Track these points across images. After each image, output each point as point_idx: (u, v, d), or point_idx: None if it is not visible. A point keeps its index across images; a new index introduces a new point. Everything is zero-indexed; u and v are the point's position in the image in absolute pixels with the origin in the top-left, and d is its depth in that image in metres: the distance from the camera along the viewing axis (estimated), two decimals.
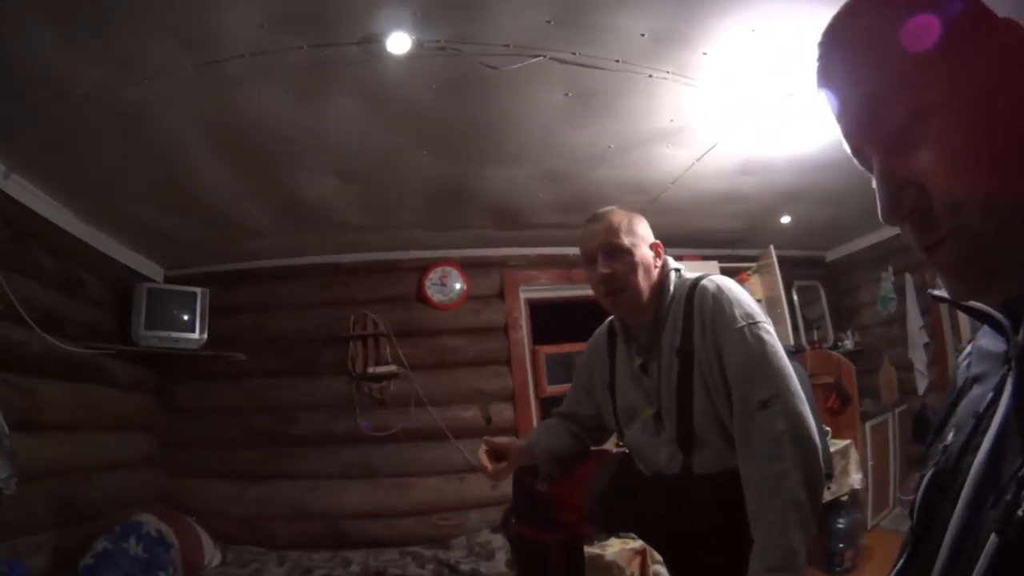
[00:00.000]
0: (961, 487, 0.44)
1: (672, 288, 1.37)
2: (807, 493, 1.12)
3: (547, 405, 3.30)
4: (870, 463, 3.40)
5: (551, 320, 3.64)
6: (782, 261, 3.56)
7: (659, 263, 1.40)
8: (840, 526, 3.04)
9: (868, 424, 3.46)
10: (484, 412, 3.21)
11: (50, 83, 1.68)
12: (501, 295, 3.43)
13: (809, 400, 1.23)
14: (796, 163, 2.73)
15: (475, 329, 3.35)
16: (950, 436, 0.51)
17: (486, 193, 2.69)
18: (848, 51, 0.47)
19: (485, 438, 1.54)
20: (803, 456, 1.14)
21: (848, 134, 0.48)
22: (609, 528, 2.04)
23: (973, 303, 0.48)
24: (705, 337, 1.28)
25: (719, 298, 1.28)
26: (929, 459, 0.53)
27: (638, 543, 2.27)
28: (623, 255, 1.34)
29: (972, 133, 0.40)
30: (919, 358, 3.78)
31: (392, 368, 3.15)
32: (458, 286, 3.36)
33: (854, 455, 3.23)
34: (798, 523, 1.10)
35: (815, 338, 4.01)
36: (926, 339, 3.76)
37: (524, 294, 3.49)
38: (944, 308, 3.81)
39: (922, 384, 3.78)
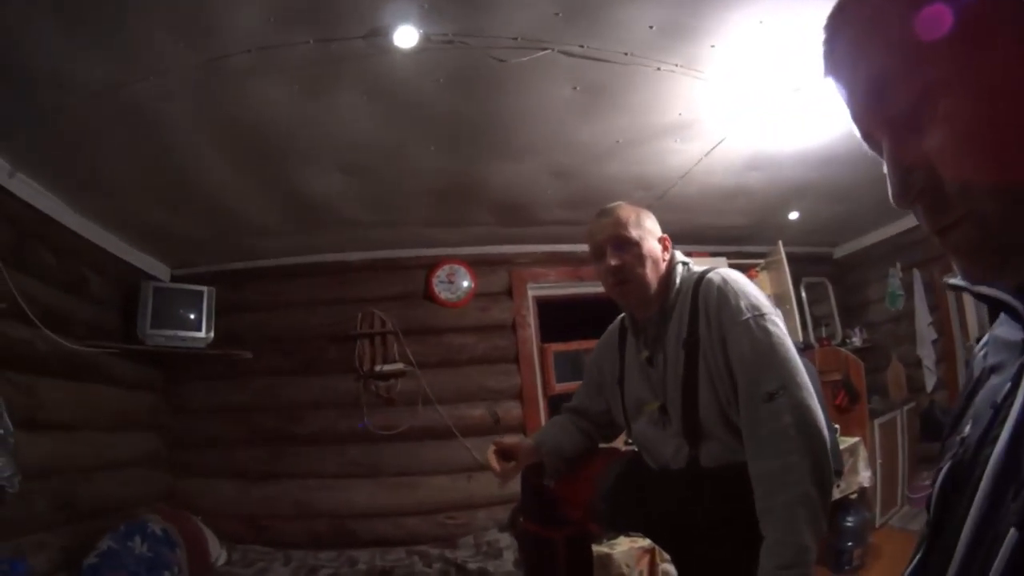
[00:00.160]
0: (979, 480, 0.43)
1: (679, 281, 1.38)
2: (816, 487, 1.11)
3: (555, 403, 3.29)
4: (879, 461, 3.37)
5: (559, 318, 3.63)
6: (790, 258, 3.54)
7: (667, 256, 1.41)
8: (849, 524, 3.02)
9: (876, 422, 3.44)
10: (491, 412, 3.19)
11: (55, 81, 1.68)
12: (509, 293, 3.42)
13: (818, 395, 1.22)
14: (804, 157, 2.71)
15: (483, 327, 3.34)
16: (967, 428, 0.49)
17: (493, 189, 2.67)
18: (855, 33, 0.46)
19: (494, 440, 1.55)
20: (811, 449, 1.12)
21: (857, 117, 0.47)
22: (615, 526, 2.03)
23: (987, 290, 0.46)
24: (710, 329, 1.27)
25: (724, 290, 1.28)
26: (946, 452, 0.51)
27: (647, 542, 2.25)
28: (631, 247, 1.36)
29: (981, 115, 0.38)
30: (927, 355, 3.76)
31: (399, 366, 3.14)
32: (466, 284, 3.35)
33: (863, 453, 3.21)
34: (807, 518, 1.09)
35: (823, 335, 3.98)
36: (935, 336, 3.74)
37: (532, 291, 3.48)
38: (953, 304, 3.79)
39: (931, 381, 3.76)
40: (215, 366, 3.15)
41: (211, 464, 3.15)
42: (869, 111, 0.46)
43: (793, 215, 3.45)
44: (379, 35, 1.64)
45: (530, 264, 3.49)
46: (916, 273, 3.80)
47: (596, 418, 1.61)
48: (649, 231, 1.40)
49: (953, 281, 0.49)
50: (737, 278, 1.32)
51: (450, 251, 3.34)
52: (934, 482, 0.51)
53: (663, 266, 1.40)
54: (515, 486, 2.97)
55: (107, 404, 2.64)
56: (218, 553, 2.76)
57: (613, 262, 1.36)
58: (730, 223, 3.40)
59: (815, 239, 4.07)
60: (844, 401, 3.32)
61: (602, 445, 1.68)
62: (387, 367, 3.13)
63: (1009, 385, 0.44)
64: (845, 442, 3.10)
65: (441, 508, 3.10)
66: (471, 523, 3.07)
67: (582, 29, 1.70)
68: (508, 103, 2.00)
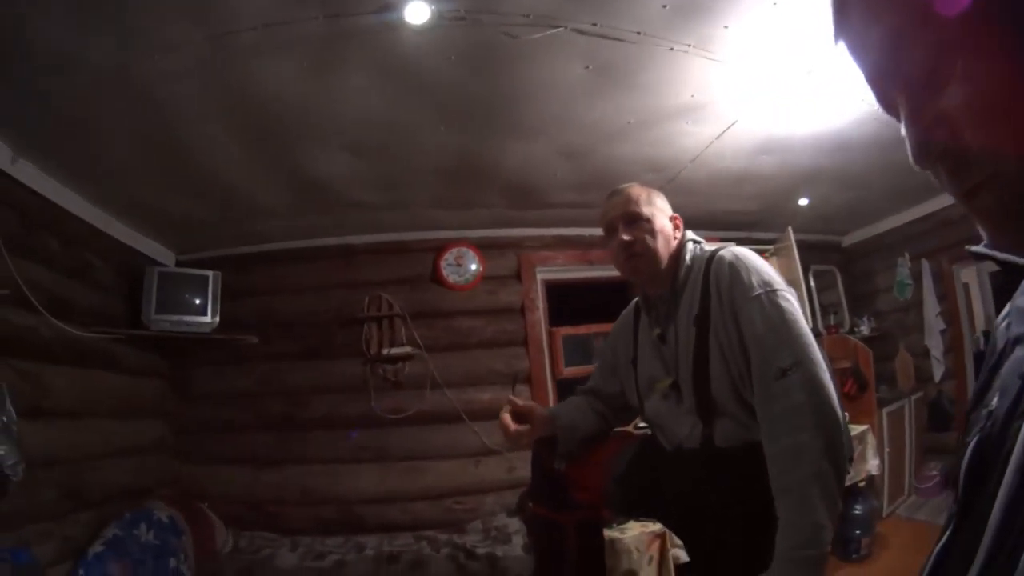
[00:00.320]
0: (1009, 453, 0.40)
1: (690, 258, 1.37)
2: (831, 465, 1.09)
3: (564, 387, 3.28)
4: (886, 450, 3.36)
5: (568, 301, 3.61)
6: (798, 246, 3.52)
7: (678, 235, 1.42)
8: (857, 512, 3.01)
9: (885, 410, 3.43)
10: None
11: (58, 63, 1.65)
12: (518, 276, 3.39)
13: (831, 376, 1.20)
14: (816, 142, 2.69)
15: (491, 310, 3.31)
16: (994, 401, 0.47)
17: (503, 170, 2.64)
18: None
19: (509, 398, 1.49)
20: (824, 426, 1.11)
21: (871, 78, 0.45)
22: (627, 511, 2.02)
23: (1013, 257, 0.44)
24: (722, 305, 1.26)
25: (736, 266, 1.27)
26: (972, 426, 0.49)
27: (657, 527, 2.24)
28: (642, 223, 1.37)
29: (1001, 73, 0.36)
30: (935, 345, 3.75)
31: (407, 350, 3.12)
32: (474, 267, 3.32)
33: (871, 440, 3.20)
34: (822, 496, 1.07)
35: (831, 323, 3.97)
36: (943, 326, 3.73)
37: (541, 275, 3.45)
38: (961, 295, 3.77)
39: (938, 371, 3.76)
40: (221, 351, 3.13)
41: (217, 450, 3.14)
42: (884, 71, 0.43)
43: (803, 201, 3.42)
44: (390, 11, 1.60)
45: (539, 247, 3.46)
46: (925, 263, 3.78)
47: (610, 400, 1.60)
48: (660, 209, 1.41)
49: (976, 249, 0.47)
50: (749, 255, 1.31)
51: (458, 234, 3.32)
52: (960, 458, 0.49)
53: (674, 243, 1.40)
54: (523, 471, 2.99)
55: (112, 391, 2.63)
56: (224, 539, 2.76)
57: (625, 237, 1.36)
58: (740, 208, 3.38)
59: (824, 227, 4.05)
60: (853, 389, 3.31)
61: (615, 429, 1.67)
62: (395, 350, 3.11)
63: None
64: (854, 430, 3.09)
65: (449, 493, 3.09)
66: (479, 508, 3.05)
67: (595, 7, 1.67)
68: (520, 82, 1.97)
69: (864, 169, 3.05)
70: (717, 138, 2.52)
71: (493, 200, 3.02)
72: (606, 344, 1.67)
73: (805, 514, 1.07)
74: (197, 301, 2.91)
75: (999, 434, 0.44)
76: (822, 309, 4.01)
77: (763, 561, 1.11)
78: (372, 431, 3.13)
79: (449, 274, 3.29)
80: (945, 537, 0.50)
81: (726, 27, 1.83)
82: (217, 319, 2.94)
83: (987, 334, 4.04)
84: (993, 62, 0.36)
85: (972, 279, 3.98)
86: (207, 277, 2.94)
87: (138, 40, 1.61)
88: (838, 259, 4.28)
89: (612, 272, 3.44)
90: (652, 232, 1.36)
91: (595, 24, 1.74)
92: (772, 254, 3.62)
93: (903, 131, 0.42)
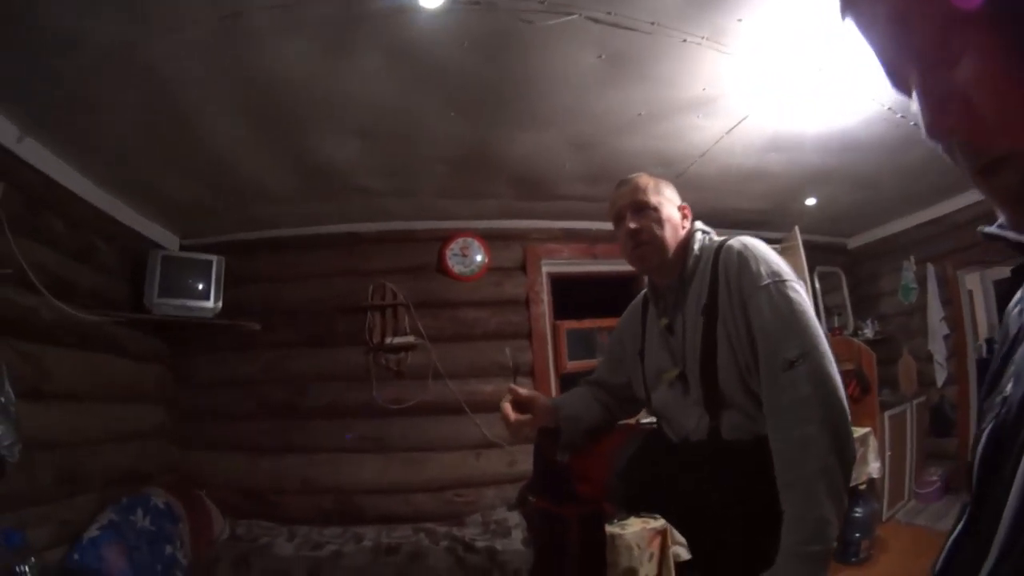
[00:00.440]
0: None
1: (699, 248, 1.35)
2: (837, 460, 1.07)
3: (567, 381, 3.26)
4: (887, 453, 3.35)
5: (573, 296, 3.60)
6: (804, 246, 3.51)
7: (686, 224, 1.40)
8: (857, 515, 3.00)
9: (887, 414, 3.42)
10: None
11: (67, 41, 1.63)
12: (523, 268, 3.37)
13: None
14: (826, 141, 2.68)
15: (496, 302, 3.29)
16: (1008, 387, 0.46)
17: (512, 159, 2.62)
18: None
19: (510, 386, 1.46)
20: (832, 420, 1.09)
21: (881, 52, 0.43)
22: (629, 506, 2.00)
23: None
24: (731, 295, 1.24)
25: (745, 255, 1.25)
26: (986, 413, 0.48)
27: (659, 523, 2.23)
28: (650, 211, 1.35)
29: (1015, 43, 0.35)
30: (939, 350, 3.74)
31: (410, 339, 3.10)
32: (479, 258, 3.30)
33: (873, 443, 3.19)
34: (828, 492, 1.05)
35: (835, 325, 3.95)
36: (947, 331, 3.72)
37: (546, 267, 3.43)
38: (966, 300, 3.76)
39: (941, 376, 3.75)
40: (223, 338, 3.12)
41: (217, 437, 3.13)
42: (894, 45, 0.42)
43: (810, 201, 3.41)
44: None
45: (545, 240, 3.44)
46: (930, 267, 3.78)
47: (616, 392, 1.58)
48: (668, 198, 1.40)
49: (989, 230, 0.46)
50: (758, 244, 1.29)
51: (465, 224, 3.30)
52: (975, 445, 0.48)
53: (682, 233, 1.38)
54: (523, 465, 2.97)
55: (114, 375, 2.62)
56: (222, 527, 2.75)
57: (632, 225, 1.35)
58: (748, 206, 3.36)
59: (830, 228, 4.04)
60: (856, 391, 3.30)
61: (620, 422, 1.65)
62: (398, 340, 3.09)
63: None
64: (856, 432, 3.08)
65: (449, 485, 3.07)
66: (479, 501, 3.04)
67: None
68: (532, 69, 1.95)
69: (872, 170, 3.04)
70: (727, 133, 2.50)
71: (501, 190, 2.99)
72: (613, 336, 1.64)
73: (811, 509, 1.05)
74: (200, 286, 2.89)
75: (1015, 420, 0.43)
76: (826, 311, 4.00)
77: (766, 558, 1.09)
78: (373, 421, 3.11)
79: (454, 264, 3.27)
80: (959, 527, 0.48)
81: (740, 20, 1.82)
82: (220, 304, 2.92)
83: (990, 341, 4.05)
84: (1007, 34, 0.35)
85: (976, 286, 3.98)
86: (211, 262, 2.93)
87: (148, 18, 1.59)
88: (843, 261, 4.27)
89: (618, 267, 3.50)
90: (659, 221, 1.35)
91: (609, 13, 1.73)
92: (779, 253, 3.61)
93: (915, 105, 0.41)
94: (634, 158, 2.57)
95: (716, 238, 1.40)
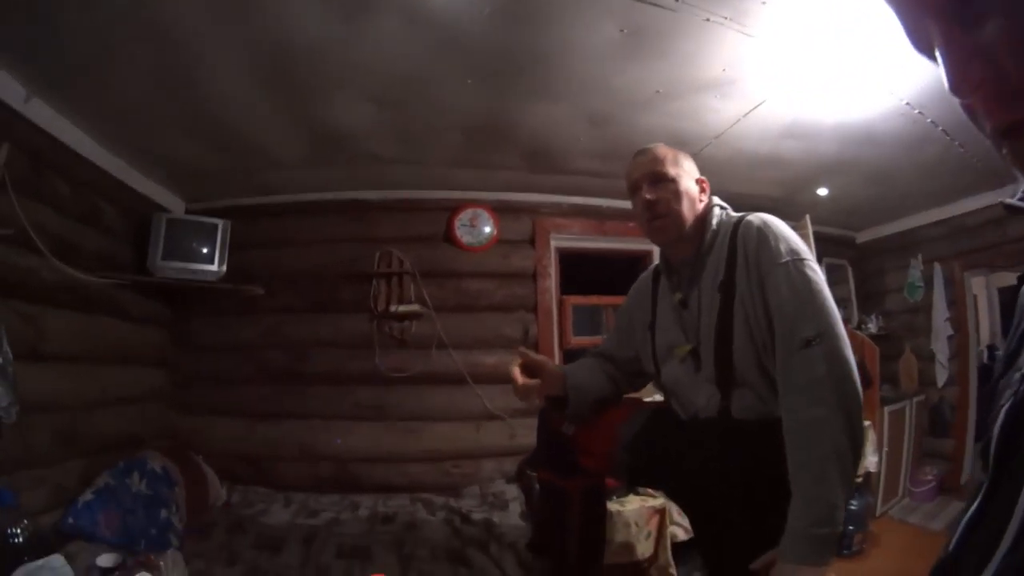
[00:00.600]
0: None
1: (716, 223, 1.34)
2: (849, 443, 1.07)
3: (571, 356, 3.25)
4: (885, 448, 3.35)
5: (579, 271, 3.58)
6: (813, 237, 3.49)
7: (704, 198, 1.39)
8: (853, 507, 3.00)
9: (887, 409, 3.42)
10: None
11: None
12: (531, 241, 3.35)
13: None
14: (841, 132, 2.65)
15: (503, 274, 3.27)
16: None
17: (526, 131, 2.58)
18: None
19: (520, 349, 1.46)
20: (845, 403, 1.08)
21: (903, 10, 0.42)
22: (634, 480, 1.99)
23: None
24: (749, 271, 1.23)
25: (764, 232, 1.24)
26: (1003, 391, 0.47)
27: (658, 501, 2.23)
28: (667, 183, 1.34)
29: None
30: (941, 350, 3.74)
31: (415, 307, 3.08)
32: (487, 229, 3.27)
33: (872, 437, 3.19)
34: (839, 475, 1.05)
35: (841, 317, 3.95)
36: (951, 332, 3.71)
37: (555, 242, 3.41)
38: (971, 302, 3.75)
39: (942, 376, 3.75)
40: (226, 302, 3.10)
41: (216, 402, 3.12)
42: (917, 1, 0.40)
43: (822, 191, 3.38)
44: None
45: (555, 214, 3.41)
46: (937, 267, 3.76)
47: (624, 365, 1.57)
48: (687, 171, 1.38)
49: (1011, 202, 0.44)
50: (777, 221, 1.28)
51: (475, 195, 3.26)
52: (991, 424, 0.46)
53: (700, 207, 1.37)
54: (524, 439, 2.97)
55: (113, 338, 2.60)
56: (218, 493, 2.74)
57: (649, 196, 1.33)
58: (760, 192, 3.33)
59: (840, 221, 4.03)
60: None
61: (627, 396, 1.64)
62: (402, 308, 3.06)
63: None
64: None
65: (448, 456, 3.06)
66: (476, 473, 3.03)
67: None
68: (553, 40, 1.91)
69: (886, 165, 3.01)
70: (744, 116, 2.47)
71: (513, 162, 2.95)
72: (622, 309, 1.63)
73: (821, 491, 1.05)
74: (205, 250, 2.87)
75: None
76: None
77: (770, 539, 1.09)
78: (375, 389, 3.10)
79: (463, 235, 3.24)
80: (974, 506, 0.47)
81: (764, 2, 1.79)
82: (224, 268, 2.90)
83: (992, 348, 4.05)
84: None
85: (981, 291, 3.97)
86: (216, 225, 2.90)
87: None
88: (851, 255, 4.26)
89: (627, 245, 3.46)
90: (677, 193, 1.33)
91: None
92: None
93: (938, 61, 0.39)
94: (648, 136, 2.51)
95: (733, 214, 1.39)
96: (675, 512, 2.23)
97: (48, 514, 1.99)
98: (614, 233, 3.43)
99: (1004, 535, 0.39)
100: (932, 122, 2.50)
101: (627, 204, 3.53)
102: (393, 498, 2.79)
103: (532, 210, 3.37)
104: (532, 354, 1.47)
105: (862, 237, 4.34)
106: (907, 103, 2.36)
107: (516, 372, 1.43)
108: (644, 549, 2.15)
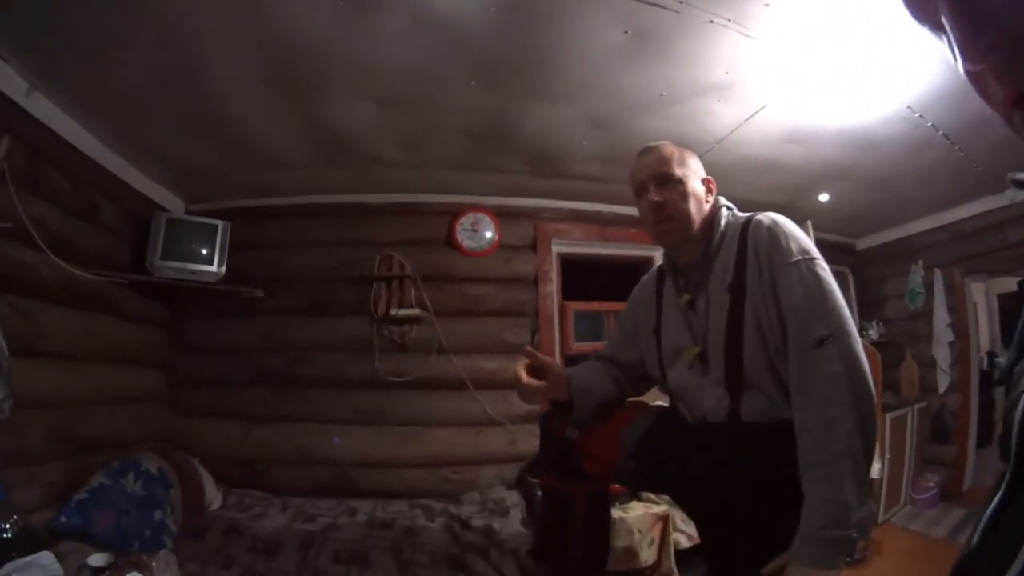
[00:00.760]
0: None
1: (724, 224, 1.33)
2: (862, 444, 1.05)
3: (572, 362, 3.22)
4: (887, 455, 3.33)
5: (581, 278, 3.57)
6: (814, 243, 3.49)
7: (711, 198, 1.37)
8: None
9: (888, 416, 3.40)
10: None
11: None
12: (533, 246, 3.34)
13: None
14: (843, 136, 2.65)
15: (504, 279, 3.26)
16: None
17: (529, 134, 2.57)
18: None
19: (527, 349, 1.42)
20: (859, 403, 1.07)
21: None
22: (639, 485, 1.97)
23: None
24: (760, 272, 1.22)
25: (775, 231, 1.23)
26: (1019, 378, 0.46)
27: (661, 508, 2.20)
28: (674, 184, 1.31)
29: None
30: (943, 356, 3.73)
31: (415, 311, 3.06)
32: (489, 234, 3.27)
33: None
34: (851, 475, 1.03)
35: None
36: (951, 338, 3.71)
37: (556, 247, 3.40)
38: (971, 309, 3.75)
39: (943, 383, 3.74)
40: (224, 303, 3.08)
41: (213, 404, 3.08)
42: None
43: (823, 197, 3.39)
44: None
45: (556, 219, 3.41)
46: (937, 273, 3.76)
47: (628, 369, 1.55)
48: (693, 171, 1.36)
49: (1021, 176, 0.44)
50: (787, 221, 1.28)
51: (475, 199, 3.26)
52: (1012, 409, 0.45)
53: (707, 207, 1.35)
54: (525, 445, 2.94)
55: (111, 337, 2.58)
56: (214, 495, 2.71)
57: (656, 198, 1.31)
58: (760, 198, 3.32)
59: (840, 227, 4.03)
60: None
61: (630, 400, 1.62)
62: (403, 312, 3.04)
63: None
64: None
65: (447, 462, 3.03)
66: (476, 480, 3.00)
67: None
68: (557, 40, 1.91)
69: (887, 170, 3.02)
70: (746, 121, 2.47)
71: (515, 166, 2.95)
72: (625, 312, 1.61)
73: (834, 492, 1.03)
74: (204, 250, 2.85)
75: None
76: None
77: (780, 543, 1.07)
78: (373, 393, 3.07)
79: (464, 239, 3.24)
80: (997, 497, 0.45)
81: (767, 5, 1.79)
82: (223, 269, 2.88)
83: (991, 355, 4.04)
84: None
85: (980, 298, 3.97)
86: (216, 226, 2.89)
87: None
88: (851, 262, 4.26)
89: (628, 251, 3.45)
90: (684, 195, 1.31)
91: None
92: None
93: (944, 31, 0.38)
94: (651, 140, 2.53)
95: (740, 214, 1.37)
96: (678, 519, 2.21)
97: (41, 512, 1.96)
98: (616, 239, 3.43)
99: None
100: (933, 126, 2.51)
101: (629, 210, 3.54)
102: (391, 504, 2.75)
103: (534, 215, 3.37)
104: (538, 355, 1.43)
105: (862, 244, 4.35)
106: (908, 107, 2.36)
107: (522, 372, 1.40)
108: (647, 556, 2.13)
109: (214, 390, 3.11)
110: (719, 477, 1.24)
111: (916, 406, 3.71)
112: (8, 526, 1.55)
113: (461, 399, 3.08)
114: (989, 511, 0.45)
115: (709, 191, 1.38)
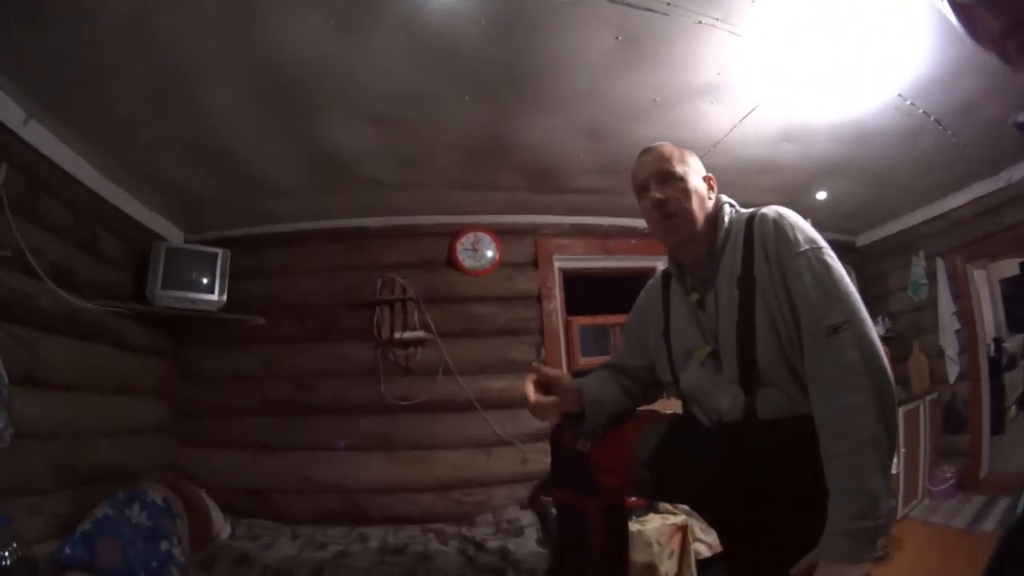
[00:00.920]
0: None
1: (728, 221, 1.31)
2: (885, 431, 1.03)
3: (580, 376, 3.20)
4: (902, 450, 3.30)
5: (583, 292, 3.57)
6: None
7: (713, 195, 1.36)
8: None
9: (901, 410, 3.37)
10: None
11: (80, 15, 1.60)
12: (534, 263, 3.33)
13: None
14: (837, 130, 2.65)
15: (507, 297, 3.25)
16: None
17: (525, 148, 2.57)
18: None
19: (534, 364, 1.41)
20: (878, 388, 1.04)
21: None
22: (655, 495, 1.93)
23: None
24: (769, 264, 1.20)
25: (780, 223, 1.22)
26: None
27: (679, 518, 2.16)
28: (676, 181, 1.30)
29: None
30: (950, 344, 3.70)
31: (420, 334, 3.04)
32: (490, 253, 3.26)
33: None
34: (877, 464, 1.00)
35: None
36: (958, 326, 3.68)
37: (558, 263, 3.40)
38: (975, 293, 3.73)
39: (953, 372, 3.70)
40: (227, 332, 3.06)
41: (218, 434, 3.05)
42: None
43: (821, 195, 3.38)
44: None
45: (557, 235, 3.41)
46: (939, 262, 3.74)
47: (638, 376, 1.51)
48: (694, 168, 1.35)
49: (1022, 118, 0.42)
50: (792, 213, 1.26)
51: (475, 219, 3.26)
52: None
53: (709, 204, 1.34)
54: (536, 464, 2.90)
55: (113, 367, 2.56)
56: (221, 526, 2.66)
57: (658, 195, 1.30)
58: (758, 200, 3.28)
59: (839, 225, 4.02)
60: None
61: (642, 408, 1.59)
62: (407, 335, 3.02)
63: None
64: None
65: (458, 484, 2.99)
66: (489, 501, 2.96)
67: None
68: (548, 50, 1.91)
69: (881, 162, 3.02)
70: (740, 121, 2.47)
71: (513, 182, 2.94)
72: (631, 319, 1.58)
73: (861, 482, 1.00)
74: (205, 279, 2.84)
75: None
76: None
77: (808, 542, 1.04)
78: (380, 418, 3.04)
79: (465, 259, 3.23)
80: None
81: (753, 1, 1.80)
82: (224, 297, 2.87)
83: (998, 341, 4.01)
84: None
85: (983, 284, 3.95)
86: (216, 255, 2.88)
87: None
88: (853, 260, 4.24)
89: (630, 263, 3.44)
90: (686, 191, 1.30)
91: None
92: None
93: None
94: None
95: (743, 210, 1.36)
96: (697, 528, 2.16)
97: (45, 543, 1.92)
98: (617, 251, 3.43)
99: None
100: (924, 112, 2.50)
101: (630, 222, 3.52)
102: (403, 529, 2.70)
103: (534, 231, 3.37)
104: (546, 369, 1.41)
105: (862, 240, 4.33)
106: (899, 95, 2.36)
107: (530, 389, 1.36)
108: (668, 568, 2.08)
109: (219, 419, 3.07)
110: (740, 477, 1.21)
111: (927, 398, 3.68)
112: (7, 554, 1.53)
113: (469, 420, 3.05)
114: None
115: (711, 188, 1.37)
